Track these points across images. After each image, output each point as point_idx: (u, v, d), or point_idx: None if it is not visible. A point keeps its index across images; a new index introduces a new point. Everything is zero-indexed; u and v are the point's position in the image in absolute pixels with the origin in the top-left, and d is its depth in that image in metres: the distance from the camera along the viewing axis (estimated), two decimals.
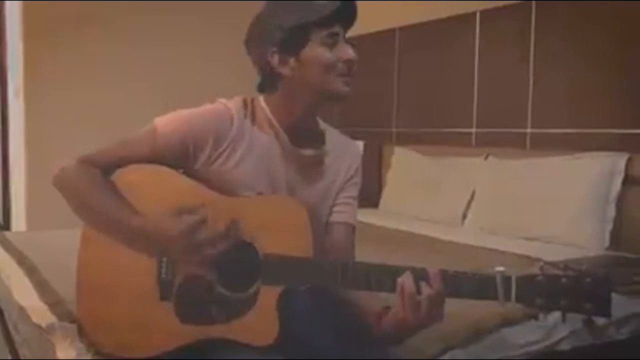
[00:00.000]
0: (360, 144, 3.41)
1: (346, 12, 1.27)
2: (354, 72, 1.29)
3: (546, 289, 1.05)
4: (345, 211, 1.39)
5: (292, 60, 1.26)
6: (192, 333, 1.20)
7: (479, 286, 1.09)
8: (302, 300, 1.29)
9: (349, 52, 1.27)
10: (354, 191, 1.42)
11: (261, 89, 1.34)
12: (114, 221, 1.24)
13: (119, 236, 1.24)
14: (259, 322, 1.17)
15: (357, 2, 1.30)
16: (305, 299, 1.31)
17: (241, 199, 1.27)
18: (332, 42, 1.26)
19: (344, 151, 1.42)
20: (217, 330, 1.19)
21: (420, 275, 1.10)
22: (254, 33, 1.31)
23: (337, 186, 1.39)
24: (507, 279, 1.07)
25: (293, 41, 1.25)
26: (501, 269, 1.07)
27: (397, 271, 1.13)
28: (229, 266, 1.20)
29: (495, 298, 1.07)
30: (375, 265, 1.16)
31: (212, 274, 1.21)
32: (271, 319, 1.16)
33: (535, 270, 1.07)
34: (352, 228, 1.40)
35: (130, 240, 1.23)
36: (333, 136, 1.42)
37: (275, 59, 1.27)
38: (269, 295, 1.17)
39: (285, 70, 1.27)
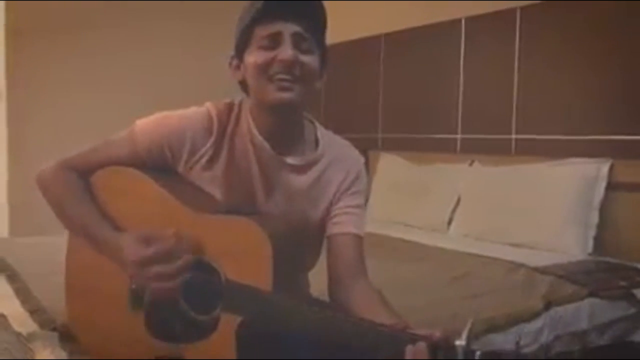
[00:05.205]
0: None
1: (296, 9, 1.14)
2: (299, 75, 1.14)
3: None
4: (345, 221, 1.26)
5: (241, 66, 1.21)
6: (154, 348, 1.15)
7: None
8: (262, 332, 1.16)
9: (287, 52, 1.12)
10: (354, 200, 1.29)
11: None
12: (85, 228, 1.23)
13: (91, 243, 1.23)
14: (217, 349, 1.10)
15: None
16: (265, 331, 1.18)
17: (207, 218, 1.17)
18: (270, 44, 1.14)
19: (341, 159, 1.30)
20: (176, 350, 1.13)
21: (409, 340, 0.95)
22: None
23: (330, 196, 1.28)
24: (470, 353, 0.93)
25: (239, 45, 1.20)
26: (462, 342, 0.93)
27: (375, 330, 0.99)
28: (193, 286, 1.14)
29: None
30: (347, 319, 1.02)
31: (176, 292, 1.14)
32: (228, 348, 1.08)
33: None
34: (356, 238, 1.26)
35: (99, 250, 1.21)
36: (330, 143, 1.32)
37: (232, 65, 1.23)
38: (228, 323, 1.09)
39: (236, 76, 1.23)
